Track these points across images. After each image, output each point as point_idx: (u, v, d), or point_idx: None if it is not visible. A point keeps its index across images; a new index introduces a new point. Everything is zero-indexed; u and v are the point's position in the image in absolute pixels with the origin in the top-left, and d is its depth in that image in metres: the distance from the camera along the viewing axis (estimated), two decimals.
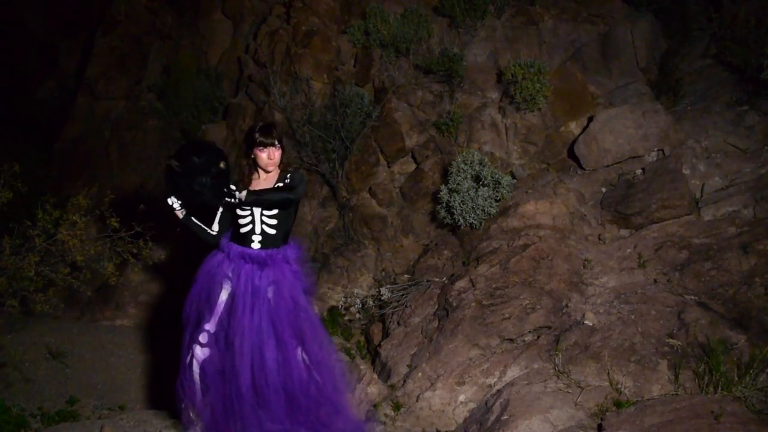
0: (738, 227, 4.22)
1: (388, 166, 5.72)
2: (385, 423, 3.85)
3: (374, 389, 4.09)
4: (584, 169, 5.15)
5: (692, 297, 3.90)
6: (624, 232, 4.62)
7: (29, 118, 8.77)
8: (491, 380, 3.83)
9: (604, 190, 4.94)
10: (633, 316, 3.85)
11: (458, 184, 4.89)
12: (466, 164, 4.97)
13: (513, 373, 3.80)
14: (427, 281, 4.84)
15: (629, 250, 4.41)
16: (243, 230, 3.29)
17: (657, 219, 4.49)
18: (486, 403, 3.71)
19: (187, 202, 3.30)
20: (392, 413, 3.92)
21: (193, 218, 3.36)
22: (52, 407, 4.10)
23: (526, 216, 4.76)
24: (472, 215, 4.84)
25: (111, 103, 7.80)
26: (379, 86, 5.95)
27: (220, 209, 3.41)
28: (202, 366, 3.23)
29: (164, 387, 4.64)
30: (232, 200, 3.18)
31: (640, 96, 5.43)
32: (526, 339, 4.02)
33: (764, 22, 5.36)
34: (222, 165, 3.18)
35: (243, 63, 6.96)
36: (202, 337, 3.24)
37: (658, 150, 4.95)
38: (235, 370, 3.17)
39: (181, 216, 3.33)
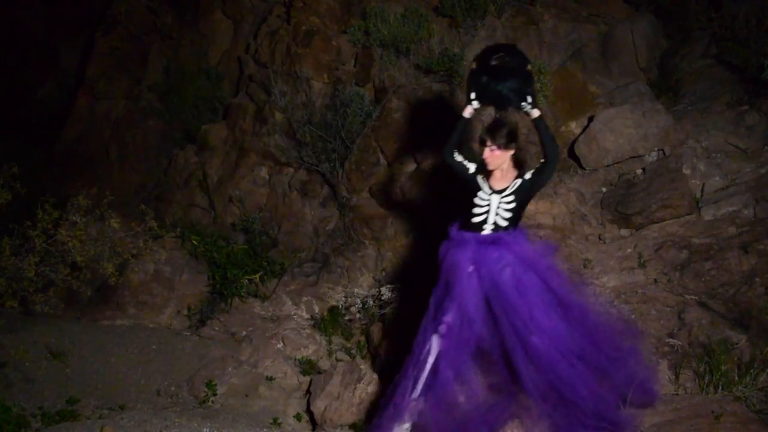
0: (738, 227, 4.22)
1: (389, 166, 5.72)
2: None
3: (374, 389, 4.09)
4: (584, 169, 5.14)
5: (693, 297, 3.90)
6: (624, 231, 4.61)
7: (29, 118, 8.77)
8: None
9: (604, 190, 4.94)
10: (633, 316, 3.84)
11: None
12: None
13: None
14: None
15: (629, 250, 4.40)
16: (475, 219, 3.19)
17: (657, 219, 4.48)
18: None
19: (493, 104, 3.23)
20: None
21: (466, 127, 3.29)
22: (52, 407, 4.08)
23: (527, 216, 4.73)
24: None
25: (111, 103, 7.80)
26: (380, 86, 5.94)
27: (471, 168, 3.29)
28: (436, 360, 3.09)
29: (165, 387, 4.65)
30: (527, 107, 3.10)
31: (641, 96, 5.42)
32: None
33: (764, 22, 5.36)
34: (529, 67, 3.10)
35: (243, 63, 6.96)
36: (441, 329, 3.12)
37: (658, 150, 4.95)
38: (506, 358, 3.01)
39: (468, 115, 3.25)
